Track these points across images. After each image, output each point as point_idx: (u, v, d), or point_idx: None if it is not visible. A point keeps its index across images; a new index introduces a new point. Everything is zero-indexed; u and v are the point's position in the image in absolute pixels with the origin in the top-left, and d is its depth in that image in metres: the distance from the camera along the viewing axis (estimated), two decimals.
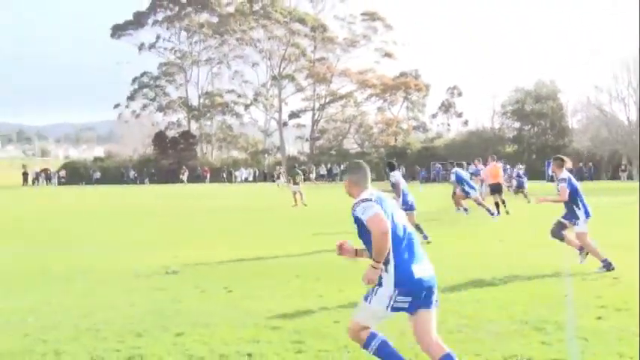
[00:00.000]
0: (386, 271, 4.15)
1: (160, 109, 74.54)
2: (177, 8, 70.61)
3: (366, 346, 4.32)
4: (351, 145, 72.21)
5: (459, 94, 75.82)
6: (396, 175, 12.82)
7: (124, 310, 7.15)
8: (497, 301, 7.19)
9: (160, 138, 69.25)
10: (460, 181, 18.20)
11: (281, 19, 67.51)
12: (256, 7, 68.93)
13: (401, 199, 12.38)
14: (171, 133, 71.63)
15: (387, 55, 69.32)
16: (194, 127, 74.01)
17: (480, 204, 17.91)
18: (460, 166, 19.47)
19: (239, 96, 73.01)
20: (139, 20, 71.51)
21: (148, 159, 69.01)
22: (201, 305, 7.32)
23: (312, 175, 50.01)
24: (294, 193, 24.93)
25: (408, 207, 12.17)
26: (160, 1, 70.57)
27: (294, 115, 72.33)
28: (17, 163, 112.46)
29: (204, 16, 72.12)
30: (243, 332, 6.08)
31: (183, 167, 59.37)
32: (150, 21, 71.31)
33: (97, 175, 65.17)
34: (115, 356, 5.41)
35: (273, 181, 49.26)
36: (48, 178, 64.61)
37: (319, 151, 69.84)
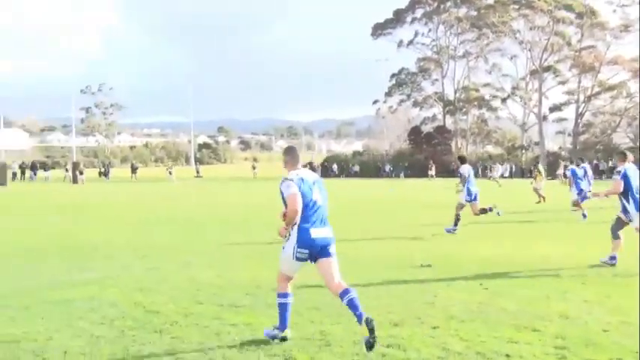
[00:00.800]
0: (292, 229, 5.52)
1: (416, 104, 75.80)
2: (436, 3, 70.97)
3: (277, 296, 5.70)
4: (621, 139, 65.63)
5: None
6: (465, 169, 14.19)
7: (382, 299, 7.39)
8: None
9: (415, 133, 70.45)
10: (575, 178, 18.20)
11: (545, 7, 63.88)
12: None
13: (465, 190, 13.91)
14: (426, 128, 72.39)
15: None
16: (449, 121, 73.91)
17: (577, 206, 17.77)
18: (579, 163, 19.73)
19: (496, 90, 71.13)
20: (398, 18, 73.31)
21: (402, 153, 70.62)
22: (456, 300, 7.25)
23: (560, 172, 45.95)
24: (536, 190, 24.50)
25: (472, 198, 13.95)
26: None
27: (555, 108, 68.14)
28: None
29: (462, 10, 71.45)
30: (500, 331, 5.90)
31: (430, 162, 59.34)
32: (408, 19, 72.75)
33: (356, 168, 68.58)
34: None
35: (530, 175, 46.74)
36: (312, 170, 70.01)
37: (583, 147, 64.75)
